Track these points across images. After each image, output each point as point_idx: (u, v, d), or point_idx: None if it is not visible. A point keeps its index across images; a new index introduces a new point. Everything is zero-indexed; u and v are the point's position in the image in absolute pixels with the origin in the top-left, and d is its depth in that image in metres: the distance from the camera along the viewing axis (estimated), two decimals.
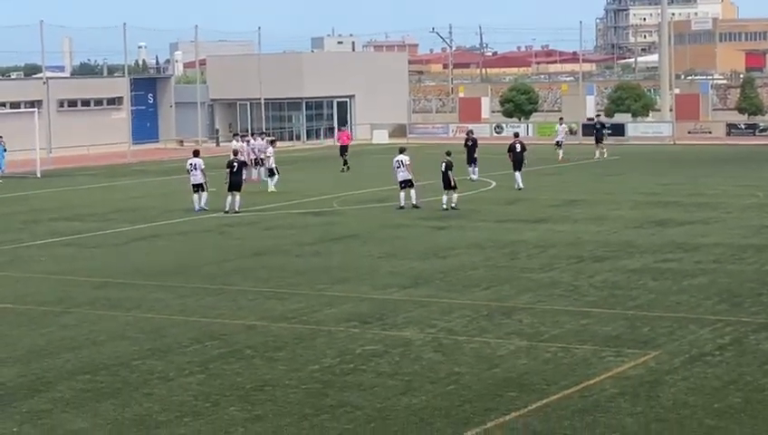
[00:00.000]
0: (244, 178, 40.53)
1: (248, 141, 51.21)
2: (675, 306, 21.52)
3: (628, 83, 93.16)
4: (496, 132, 76.73)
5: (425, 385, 16.44)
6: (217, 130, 79.88)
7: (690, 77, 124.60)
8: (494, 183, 45.66)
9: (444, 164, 37.49)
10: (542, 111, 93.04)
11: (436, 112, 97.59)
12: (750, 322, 20.04)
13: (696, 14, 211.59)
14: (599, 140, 60.89)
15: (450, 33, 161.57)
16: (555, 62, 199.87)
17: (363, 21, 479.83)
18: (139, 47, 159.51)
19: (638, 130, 76.00)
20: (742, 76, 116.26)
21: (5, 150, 59.62)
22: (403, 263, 27.18)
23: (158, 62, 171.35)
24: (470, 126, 66.42)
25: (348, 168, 55.05)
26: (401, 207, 37.60)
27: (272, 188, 44.94)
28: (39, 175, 56.81)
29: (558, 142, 58.72)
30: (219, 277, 25.82)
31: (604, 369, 17.05)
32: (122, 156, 67.64)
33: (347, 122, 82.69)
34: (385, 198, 41.70)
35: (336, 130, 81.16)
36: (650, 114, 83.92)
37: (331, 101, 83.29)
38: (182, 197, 44.18)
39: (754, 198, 39.09)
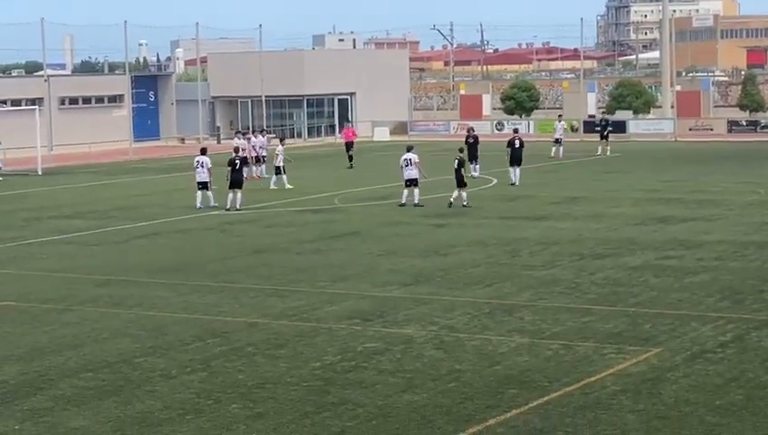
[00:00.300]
0: (245, 175, 40.55)
1: (249, 138, 51.23)
2: (676, 303, 21.52)
3: (630, 80, 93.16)
4: (497, 130, 76.70)
5: (426, 382, 16.45)
6: (218, 128, 79.86)
7: (691, 74, 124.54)
8: (495, 180, 45.65)
9: (456, 161, 37.65)
10: (544, 108, 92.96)
11: (438, 110, 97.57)
12: (752, 319, 20.05)
13: (697, 10, 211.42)
14: (604, 137, 60.97)
15: (451, 30, 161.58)
16: (556, 59, 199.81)
17: (364, 18, 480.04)
18: (140, 45, 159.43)
19: (640, 127, 75.95)
20: (743, 73, 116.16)
21: None
22: (404, 260, 27.19)
23: (159, 60, 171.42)
24: (471, 123, 66.38)
25: (352, 165, 55.07)
26: (402, 205, 37.60)
27: (273, 185, 44.97)
28: (40, 173, 56.82)
29: (557, 140, 58.71)
30: (220, 275, 25.83)
31: (605, 366, 17.06)
32: (123, 153, 67.63)
33: (349, 120, 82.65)
34: (386, 196, 41.71)
35: (340, 127, 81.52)
36: (651, 111, 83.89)
37: (332, 99, 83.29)
38: (183, 194, 44.20)
39: (756, 194, 39.07)
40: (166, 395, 16.14)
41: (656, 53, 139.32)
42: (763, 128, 72.90)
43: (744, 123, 75.53)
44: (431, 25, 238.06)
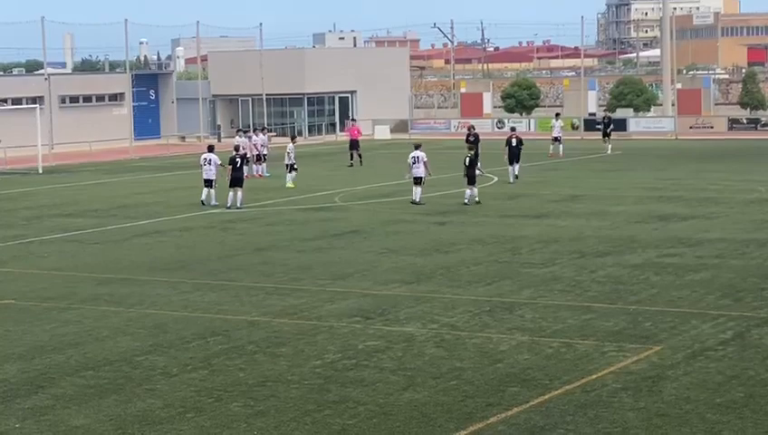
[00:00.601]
0: (245, 174, 40.58)
1: (250, 137, 51.22)
2: (677, 301, 21.52)
3: (630, 78, 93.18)
4: (498, 128, 76.68)
5: (427, 381, 16.45)
6: (219, 126, 79.85)
7: (692, 72, 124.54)
8: (495, 178, 45.65)
9: (468, 159, 37.78)
10: (544, 106, 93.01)
11: (438, 108, 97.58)
12: (752, 316, 20.05)
13: (697, 8, 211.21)
14: (606, 135, 61.07)
15: (452, 28, 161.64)
16: (557, 57, 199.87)
17: (364, 17, 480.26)
18: (141, 43, 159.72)
19: (640, 125, 75.94)
20: (744, 71, 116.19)
21: None
22: (405, 258, 27.19)
23: (159, 59, 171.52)
24: (472, 121, 66.39)
25: (361, 162, 55.11)
26: (414, 202, 37.62)
27: (290, 183, 44.96)
28: (41, 171, 56.82)
29: (556, 138, 58.72)
30: (221, 273, 25.83)
31: (606, 364, 17.06)
32: (124, 152, 67.63)
33: (354, 118, 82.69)
34: (387, 194, 41.74)
35: (341, 125, 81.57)
36: (652, 109, 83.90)
37: (333, 97, 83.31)
38: (184, 192, 44.22)
39: (756, 192, 39.06)
40: (166, 393, 16.15)
41: (656, 51, 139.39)
42: (763, 126, 72.90)
43: (745, 121, 75.53)
44: (432, 24, 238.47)
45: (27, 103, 65.87)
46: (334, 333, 19.53)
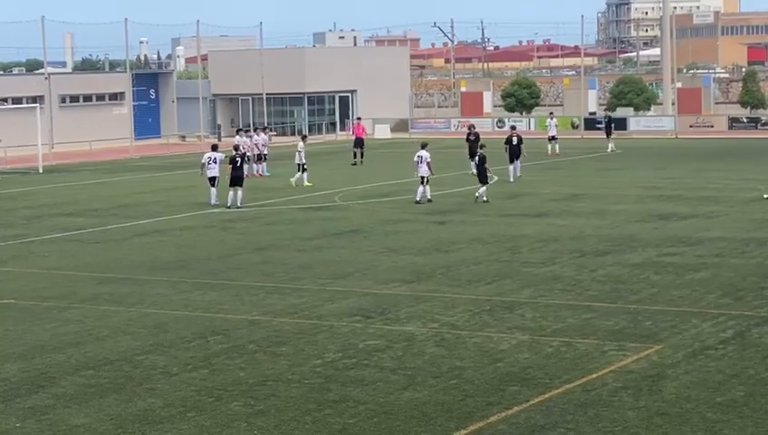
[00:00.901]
0: (245, 173, 40.58)
1: (251, 136, 51.22)
2: (677, 300, 21.53)
3: (630, 77, 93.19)
4: (498, 127, 76.70)
5: (427, 380, 16.46)
6: (219, 126, 79.87)
7: (692, 71, 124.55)
8: (495, 177, 45.61)
9: (478, 157, 37.93)
10: (544, 105, 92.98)
11: (438, 107, 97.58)
12: (752, 315, 20.05)
13: (698, 7, 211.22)
14: (608, 134, 61.22)
15: (452, 27, 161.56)
16: (557, 56, 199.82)
17: (365, 16, 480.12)
18: (141, 42, 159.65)
19: (641, 124, 75.96)
20: (744, 70, 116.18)
21: None
22: (405, 258, 27.20)
23: (159, 58, 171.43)
24: (472, 120, 66.40)
25: (362, 161, 55.19)
26: (429, 200, 37.68)
27: (307, 183, 44.93)
28: (41, 171, 56.83)
29: (552, 137, 58.79)
30: (222, 272, 25.84)
31: (606, 363, 17.07)
32: (124, 151, 67.66)
33: (349, 117, 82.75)
34: (387, 193, 41.75)
35: (341, 125, 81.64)
36: (652, 108, 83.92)
37: (333, 96, 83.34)
38: (184, 192, 44.26)
39: (757, 191, 39.03)
40: (167, 393, 16.15)
41: (656, 50, 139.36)
42: (763, 125, 72.94)
43: (745, 120, 75.56)
44: (432, 23, 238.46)
45: (27, 103, 65.88)
46: (334, 333, 19.53)
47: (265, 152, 51.32)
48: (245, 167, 41.45)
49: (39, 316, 21.57)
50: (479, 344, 18.44)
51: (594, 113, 79.10)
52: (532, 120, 79.05)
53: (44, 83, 71.91)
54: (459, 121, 78.71)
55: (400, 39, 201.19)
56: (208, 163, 39.41)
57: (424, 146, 39.14)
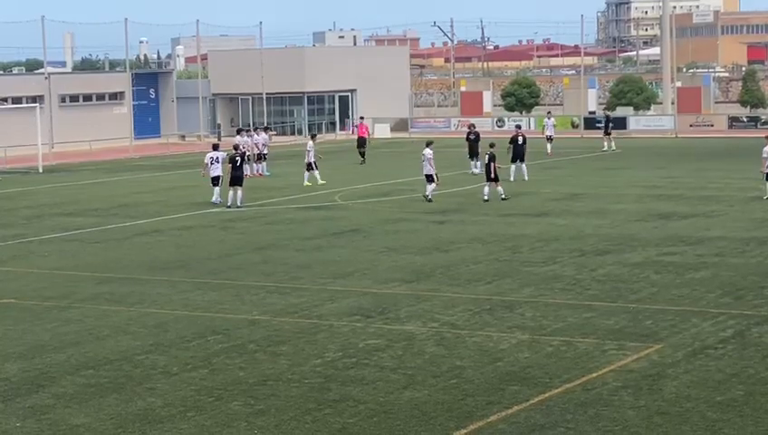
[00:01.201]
0: (246, 173, 40.58)
1: (251, 136, 51.21)
2: (677, 299, 21.53)
3: (630, 77, 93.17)
4: (498, 126, 76.71)
5: (427, 379, 16.46)
6: (219, 125, 79.89)
7: (692, 70, 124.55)
8: (496, 176, 45.57)
9: (487, 156, 38.01)
10: (544, 104, 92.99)
11: (438, 106, 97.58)
12: (752, 315, 20.05)
13: (697, 6, 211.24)
14: (607, 133, 61.29)
15: (452, 26, 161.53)
16: (557, 55, 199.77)
17: (364, 15, 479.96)
18: (141, 42, 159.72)
19: (640, 123, 75.95)
20: (744, 69, 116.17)
21: None
22: (405, 257, 27.20)
23: (159, 57, 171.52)
24: (472, 120, 66.41)
25: (364, 160, 55.27)
26: (429, 200, 37.73)
27: (317, 181, 44.91)
28: (41, 170, 56.84)
29: (549, 137, 58.88)
30: (221, 272, 25.84)
31: (606, 362, 17.07)
32: (124, 151, 67.68)
33: (349, 117, 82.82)
34: (387, 193, 41.76)
35: (341, 124, 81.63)
36: (652, 107, 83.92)
37: (333, 96, 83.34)
38: (184, 191, 44.26)
39: (757, 190, 39.02)
40: (167, 392, 16.16)
41: (656, 50, 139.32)
42: (763, 124, 72.87)
43: (745, 119, 75.54)
44: (432, 22, 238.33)
45: (27, 102, 65.89)
46: (334, 332, 19.53)
47: (265, 152, 51.32)
48: (246, 166, 41.42)
49: (39, 316, 21.57)
50: (479, 344, 18.44)
51: (594, 112, 79.12)
52: (532, 120, 79.04)
53: (44, 83, 71.93)
54: (459, 121, 78.70)
55: (400, 38, 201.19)
56: (211, 163, 39.41)
57: (429, 144, 39.21)
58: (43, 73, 75.66)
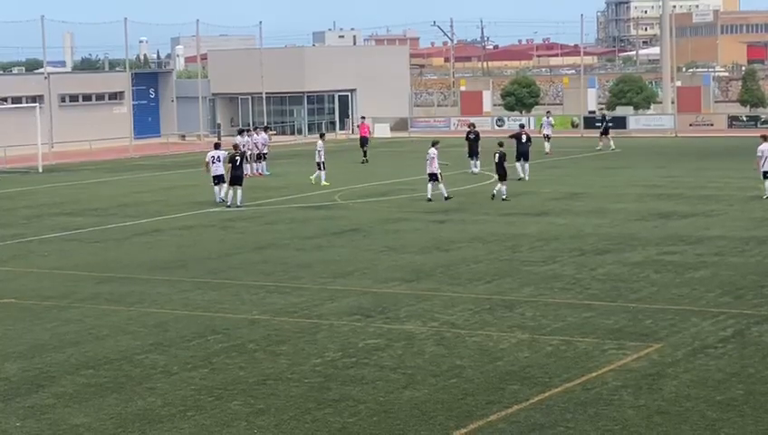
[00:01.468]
0: (245, 172, 40.58)
1: (251, 135, 51.18)
2: (677, 299, 21.53)
3: (630, 76, 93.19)
4: (498, 126, 76.69)
5: (427, 379, 16.46)
6: (219, 125, 79.89)
7: (692, 69, 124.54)
8: (495, 176, 45.56)
9: (497, 155, 38.08)
10: (544, 104, 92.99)
11: (438, 106, 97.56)
12: (752, 314, 20.05)
13: (697, 6, 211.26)
14: (605, 132, 61.34)
15: (451, 26, 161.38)
16: (557, 55, 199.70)
17: (364, 15, 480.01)
18: (141, 42, 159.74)
19: (640, 122, 75.94)
20: (743, 68, 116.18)
21: None
22: (405, 257, 27.20)
23: (159, 57, 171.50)
24: (472, 119, 66.41)
25: (366, 160, 55.34)
26: (429, 199, 37.72)
27: (314, 181, 44.90)
28: (41, 170, 56.84)
29: (547, 136, 58.94)
30: (221, 272, 25.84)
31: (606, 362, 17.07)
32: (124, 151, 67.67)
33: (349, 117, 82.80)
34: (386, 192, 41.76)
35: (341, 124, 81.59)
36: (652, 107, 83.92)
37: (333, 96, 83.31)
38: (184, 191, 44.26)
39: (756, 190, 39.02)
40: (167, 392, 16.16)
41: (656, 49, 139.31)
42: (763, 123, 72.85)
43: (745, 119, 75.53)
44: (431, 22, 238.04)
45: (27, 102, 65.89)
46: (334, 332, 19.53)
47: (265, 151, 51.32)
48: (246, 166, 41.41)
49: (39, 316, 21.58)
50: (479, 343, 18.44)
51: (594, 112, 79.10)
52: (532, 119, 79.01)
53: (44, 83, 71.92)
54: (459, 120, 78.69)
55: (400, 38, 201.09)
56: (212, 162, 39.41)
57: (434, 144, 39.23)
58: (42, 73, 75.66)
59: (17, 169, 57.69)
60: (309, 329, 19.79)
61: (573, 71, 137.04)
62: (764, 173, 37.18)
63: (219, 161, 39.26)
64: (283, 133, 78.56)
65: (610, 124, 63.76)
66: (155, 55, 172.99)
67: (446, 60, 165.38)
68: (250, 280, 24.66)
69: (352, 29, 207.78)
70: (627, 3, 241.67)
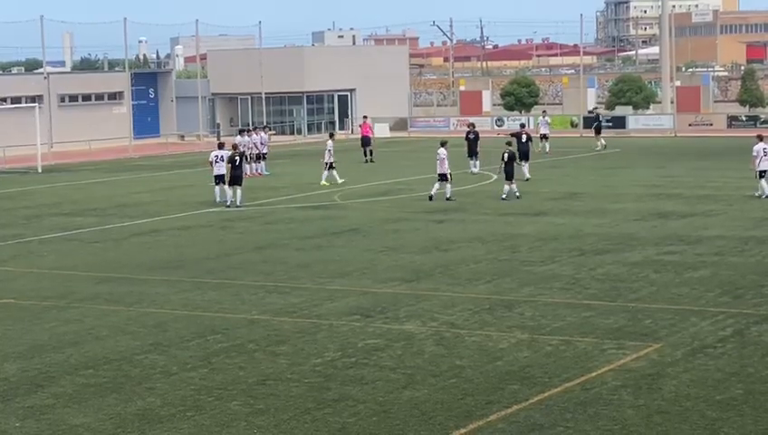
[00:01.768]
0: (245, 172, 40.57)
1: (250, 135, 51.17)
2: (676, 299, 21.53)
3: (629, 76, 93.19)
4: (497, 126, 76.69)
5: (427, 379, 16.46)
6: (218, 125, 79.90)
7: (691, 69, 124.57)
8: (495, 176, 45.59)
9: (506, 154, 38.10)
10: (543, 103, 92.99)
11: (437, 106, 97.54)
12: (752, 313, 20.05)
13: (696, 6, 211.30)
14: (598, 131, 61.46)
15: (451, 26, 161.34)
16: (556, 54, 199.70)
17: (363, 15, 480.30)
18: (140, 42, 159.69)
19: (639, 122, 75.96)
20: (743, 68, 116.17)
21: None
22: (404, 256, 27.20)
23: (158, 57, 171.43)
24: (471, 119, 66.40)
25: (372, 159, 55.39)
26: (430, 198, 37.77)
27: (337, 180, 44.83)
28: (40, 170, 56.83)
29: (544, 135, 58.97)
30: (221, 271, 25.84)
31: (606, 361, 17.07)
32: (123, 151, 67.67)
33: (348, 117, 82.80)
34: (386, 192, 41.76)
35: (340, 124, 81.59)
36: (651, 107, 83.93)
37: (332, 96, 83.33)
38: (184, 191, 44.26)
39: (756, 189, 39.02)
40: (166, 392, 16.15)
41: (655, 49, 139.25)
42: (762, 123, 72.88)
43: (744, 118, 75.54)
44: (431, 21, 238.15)
45: (26, 102, 65.90)
46: (334, 332, 19.53)
47: (265, 151, 51.32)
48: (246, 166, 41.41)
49: (38, 316, 21.57)
50: (478, 343, 18.44)
51: (592, 112, 79.10)
52: (531, 119, 79.01)
53: (43, 83, 71.92)
54: (458, 120, 78.68)
55: (399, 38, 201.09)
56: (216, 161, 39.38)
57: (443, 144, 39.26)
58: (42, 73, 75.68)
59: (17, 169, 57.69)
60: (308, 329, 19.79)
61: (573, 70, 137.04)
62: (759, 172, 37.32)
63: (222, 161, 39.26)
64: (283, 133, 78.56)
65: (603, 123, 63.78)
66: (154, 55, 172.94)
67: (446, 60, 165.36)
68: (249, 280, 24.66)
69: (352, 29, 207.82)
70: (626, 3, 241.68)
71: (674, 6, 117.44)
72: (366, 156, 56.06)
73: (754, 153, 37.73)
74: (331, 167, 45.36)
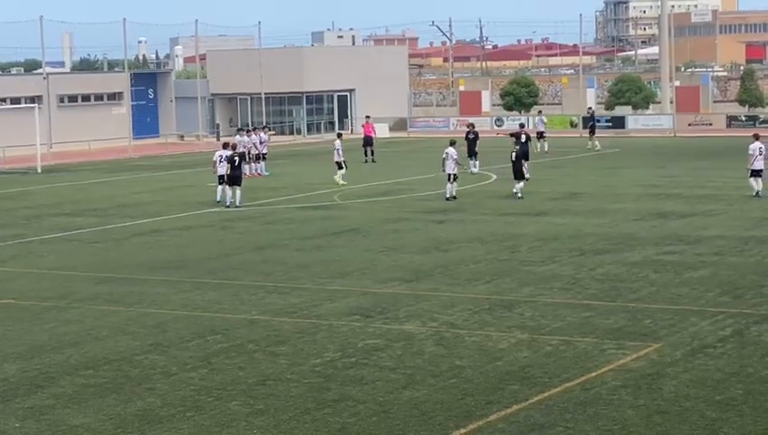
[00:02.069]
0: (245, 172, 40.56)
1: (249, 135, 51.17)
2: (676, 299, 21.53)
3: (629, 76, 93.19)
4: (497, 126, 76.69)
5: (426, 379, 16.46)
6: (218, 125, 79.91)
7: (690, 69, 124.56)
8: (494, 176, 45.66)
9: (514, 154, 38.15)
10: (543, 103, 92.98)
11: (437, 106, 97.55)
12: (751, 313, 20.06)
13: (695, 6, 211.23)
14: (592, 131, 61.59)
15: (450, 26, 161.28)
16: (555, 55, 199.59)
17: (363, 15, 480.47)
18: (140, 42, 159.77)
19: (639, 122, 75.99)
20: (742, 68, 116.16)
21: None
22: (404, 257, 27.20)
23: (158, 57, 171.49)
24: (471, 119, 66.41)
25: (374, 159, 55.41)
26: (454, 197, 37.86)
27: (341, 181, 44.77)
28: (40, 170, 56.83)
29: (541, 135, 59.06)
30: (221, 272, 25.84)
31: (605, 361, 17.07)
32: (123, 151, 67.65)
33: (348, 117, 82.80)
34: (386, 192, 41.76)
35: (340, 124, 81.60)
36: (651, 107, 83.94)
37: (332, 96, 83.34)
38: (183, 191, 44.26)
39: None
40: (166, 392, 16.16)
41: (655, 49, 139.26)
42: (761, 123, 72.92)
43: (743, 118, 75.57)
44: (430, 22, 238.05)
45: (26, 103, 65.89)
46: (334, 332, 19.53)
47: (264, 151, 51.32)
48: (245, 167, 41.39)
49: (38, 316, 21.57)
50: (478, 343, 18.44)
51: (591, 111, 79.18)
52: (530, 119, 78.99)
53: (43, 83, 71.90)
54: (458, 120, 78.69)
55: (399, 38, 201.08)
56: (219, 161, 39.35)
57: (452, 143, 39.25)
58: (41, 74, 75.66)
59: (16, 169, 57.69)
60: (308, 329, 19.79)
61: (572, 70, 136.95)
62: (752, 171, 37.56)
63: (226, 161, 39.22)
64: (282, 133, 78.56)
65: (597, 124, 63.86)
66: (154, 56, 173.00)
67: (445, 60, 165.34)
68: (249, 280, 24.66)
69: (351, 29, 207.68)
70: (625, 3, 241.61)
71: (673, 6, 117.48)
72: (366, 156, 56.09)
73: (750, 152, 37.90)
74: (340, 166, 45.34)
